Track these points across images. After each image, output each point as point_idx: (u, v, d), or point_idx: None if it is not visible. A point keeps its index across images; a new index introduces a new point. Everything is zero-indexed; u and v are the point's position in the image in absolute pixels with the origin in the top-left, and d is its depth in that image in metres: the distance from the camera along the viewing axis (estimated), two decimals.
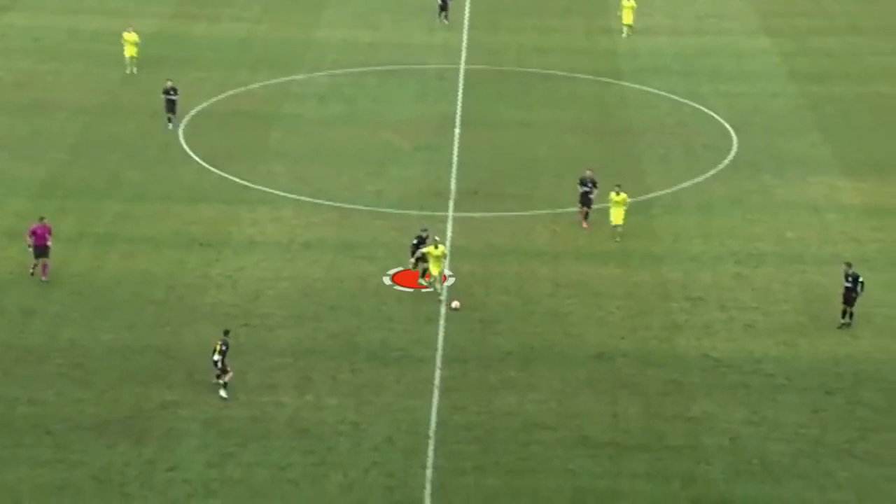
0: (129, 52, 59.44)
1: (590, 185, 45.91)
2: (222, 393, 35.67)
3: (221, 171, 50.28)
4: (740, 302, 41.23)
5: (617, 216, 44.77)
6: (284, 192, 48.67)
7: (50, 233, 41.66)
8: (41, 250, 41.35)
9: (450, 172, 50.46)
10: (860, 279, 39.74)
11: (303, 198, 48.22)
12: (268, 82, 59.77)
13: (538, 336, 39.27)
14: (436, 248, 40.78)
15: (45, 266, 41.51)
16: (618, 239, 44.34)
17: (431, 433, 34.68)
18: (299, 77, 60.50)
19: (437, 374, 37.34)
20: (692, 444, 34.41)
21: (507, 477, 32.76)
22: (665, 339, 39.07)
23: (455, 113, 56.37)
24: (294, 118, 55.87)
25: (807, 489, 32.76)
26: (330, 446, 34.10)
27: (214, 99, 57.51)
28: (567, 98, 58.73)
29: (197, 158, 51.40)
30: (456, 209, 47.51)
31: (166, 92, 53.40)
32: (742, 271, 43.28)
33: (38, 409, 35.41)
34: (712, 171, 50.68)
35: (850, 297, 39.71)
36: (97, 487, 32.44)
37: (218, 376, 35.73)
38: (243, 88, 58.91)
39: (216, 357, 35.56)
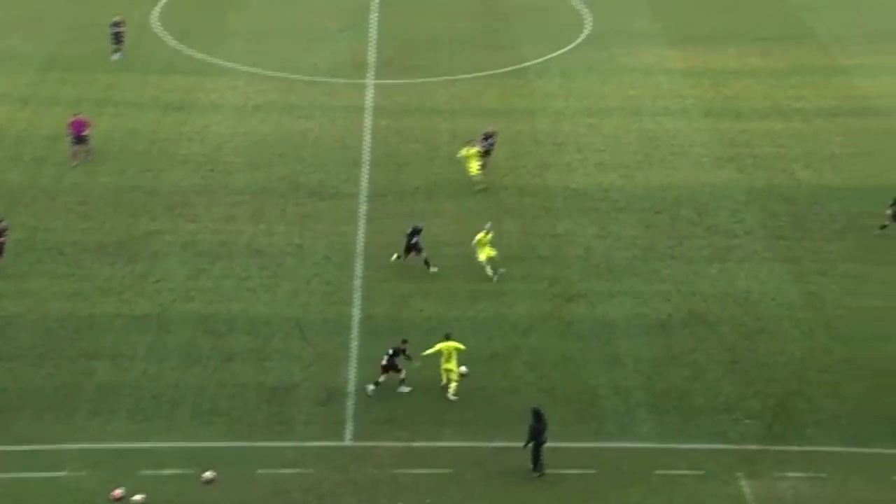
0: None
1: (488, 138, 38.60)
2: (404, 388, 28.70)
3: (189, 48, 48.58)
4: (593, 145, 41.22)
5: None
6: (239, 64, 47.21)
7: (87, 125, 38.76)
8: (79, 139, 38.62)
9: (369, 47, 49.25)
10: None
11: (254, 69, 46.83)
12: None
13: (440, 175, 38.99)
14: (486, 234, 32.71)
15: (87, 152, 38.69)
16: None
17: (359, 251, 34.54)
18: None
19: (363, 206, 37.03)
20: (557, 254, 34.71)
21: (418, 282, 32.89)
22: (537, 175, 39.05)
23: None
24: (246, 4, 53.77)
25: (640, 284, 33.38)
26: (280, 262, 33.87)
27: None
28: None
29: (168, 38, 49.53)
30: (375, 77, 46.52)
31: (114, 24, 46.36)
32: (594, 122, 43.13)
33: (52, 235, 34.82)
34: (571, 45, 50.06)
35: None
36: (101, 295, 32.20)
37: (402, 381, 28.76)
38: None
39: (385, 362, 28.59)
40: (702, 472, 26.48)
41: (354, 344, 30.47)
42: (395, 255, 33.59)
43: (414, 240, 33.21)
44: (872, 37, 50.61)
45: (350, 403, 28.42)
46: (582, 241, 35.37)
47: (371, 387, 28.63)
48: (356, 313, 31.72)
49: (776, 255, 34.79)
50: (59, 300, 31.81)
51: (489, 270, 32.73)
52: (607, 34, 51.22)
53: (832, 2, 55.18)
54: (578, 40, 50.63)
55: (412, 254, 33.27)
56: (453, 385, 28.53)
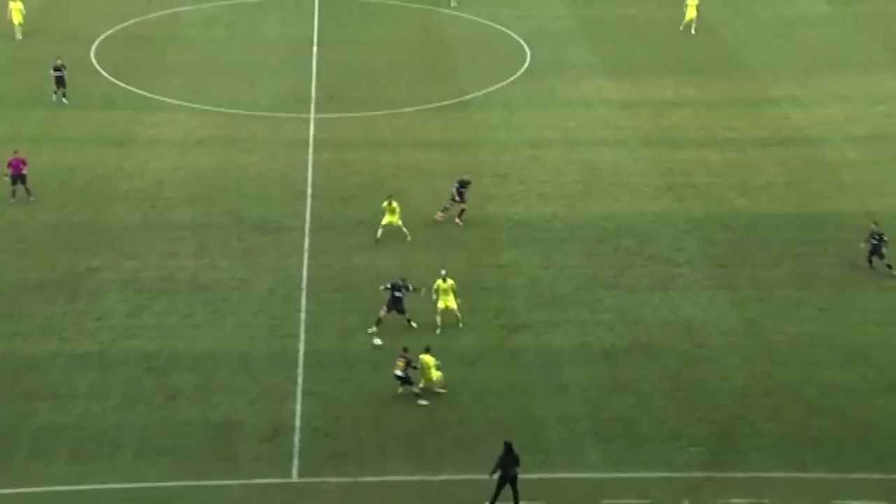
0: (17, 19, 51.90)
1: (466, 185, 38.13)
2: (422, 402, 29.27)
3: (127, 84, 48.19)
4: (535, 176, 41.57)
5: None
6: (179, 100, 46.95)
7: (25, 163, 38.02)
8: (18, 178, 37.85)
9: (310, 82, 49.28)
10: (885, 237, 34.72)
11: (194, 105, 46.61)
12: (162, 12, 57.13)
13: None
14: (444, 281, 32.27)
15: (27, 191, 37.96)
16: (461, 325, 32.47)
17: (303, 285, 34.39)
18: (186, 8, 57.97)
19: (307, 240, 36.90)
20: (501, 285, 34.85)
21: (363, 315, 32.72)
22: (480, 207, 39.21)
23: (312, 34, 54.87)
24: (185, 41, 53.68)
25: (584, 313, 33.59)
26: (224, 297, 33.58)
27: (118, 26, 54.78)
28: (398, 21, 57.60)
29: (106, 74, 49.12)
30: (316, 111, 46.52)
31: (56, 69, 45.02)
32: (536, 153, 43.54)
33: None
34: (512, 78, 50.57)
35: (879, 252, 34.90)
36: (42, 334, 31.67)
37: (417, 395, 29.41)
38: (140, 18, 56.23)
39: (399, 373, 29.32)
40: (648, 501, 26.59)
41: (300, 378, 30.23)
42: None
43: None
44: (802, 69, 51.86)
45: (296, 439, 28.16)
46: (526, 271, 35.56)
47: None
48: (301, 347, 31.53)
49: (716, 283, 35.29)
50: None
51: (437, 320, 32.02)
52: (547, 66, 51.84)
53: (764, 36, 56.50)
54: (519, 73, 51.16)
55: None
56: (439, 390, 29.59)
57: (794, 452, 28.26)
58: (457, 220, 37.81)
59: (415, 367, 29.46)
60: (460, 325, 32.06)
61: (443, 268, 33.19)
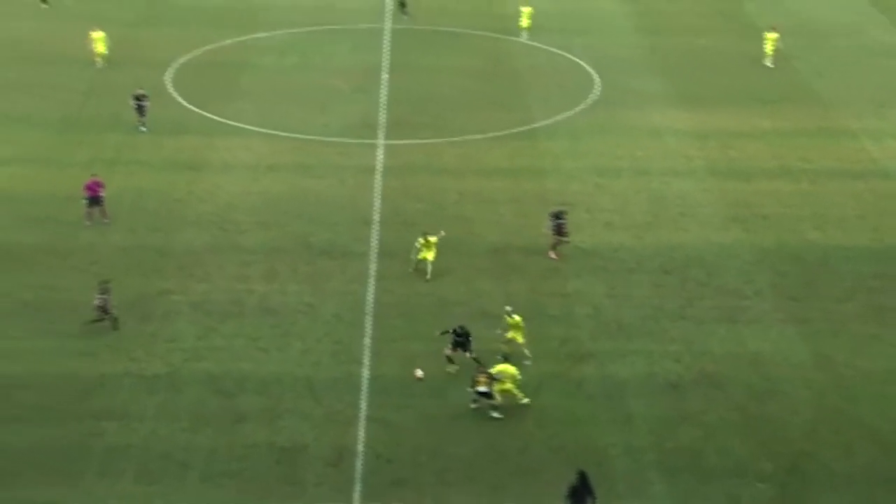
0: (100, 48, 52.34)
1: (562, 216, 37.62)
2: (496, 415, 29.61)
3: (201, 109, 49.14)
4: (601, 205, 41.38)
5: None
6: (252, 125, 47.72)
7: (102, 186, 38.98)
8: (95, 200, 38.80)
9: (379, 109, 49.77)
10: None
11: (266, 130, 47.33)
12: (236, 39, 58.25)
13: (448, 234, 39.08)
14: (510, 318, 31.96)
15: (103, 213, 38.85)
16: (527, 362, 31.75)
17: (369, 310, 34.57)
18: (261, 35, 59.05)
19: (372, 265, 37.14)
20: (566, 314, 34.67)
21: (426, 342, 32.73)
22: (545, 235, 39.13)
23: (382, 62, 55.45)
24: (258, 67, 54.60)
25: (650, 343, 33.25)
26: (291, 321, 33.89)
27: (194, 53, 55.97)
28: (468, 50, 57.98)
29: (181, 100, 50.15)
30: (385, 138, 46.94)
31: (137, 98, 45.92)
32: (603, 182, 43.36)
33: (64, 295, 34.80)
34: (580, 106, 50.53)
35: None
36: (112, 354, 32.13)
37: (495, 408, 29.68)
38: (216, 45, 57.38)
39: (484, 389, 29.58)
40: None
41: (364, 403, 30.34)
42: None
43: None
44: (878, 101, 50.98)
45: (359, 464, 28.23)
46: (592, 300, 35.34)
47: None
48: (365, 373, 31.66)
49: (786, 316, 34.70)
50: (68, 359, 31.77)
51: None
52: (616, 95, 51.69)
53: (839, 66, 55.71)
54: (587, 101, 51.09)
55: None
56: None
57: (867, 491, 27.57)
58: (551, 253, 37.20)
59: (496, 379, 29.50)
60: (526, 362, 31.61)
61: (507, 299, 33.17)
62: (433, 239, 35.92)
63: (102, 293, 32.97)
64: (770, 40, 55.13)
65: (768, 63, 54.98)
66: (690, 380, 31.64)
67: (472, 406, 29.80)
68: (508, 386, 29.78)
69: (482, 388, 29.43)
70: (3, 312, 33.84)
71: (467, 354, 31.57)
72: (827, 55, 57.23)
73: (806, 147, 46.50)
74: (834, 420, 30.12)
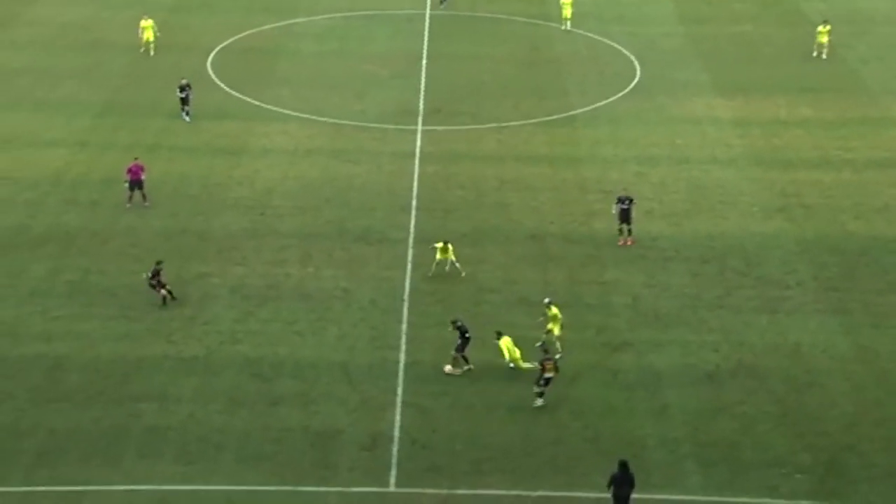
0: (149, 36, 52.67)
1: (627, 202, 37.30)
2: (539, 402, 29.47)
3: (241, 94, 49.31)
4: (640, 193, 40.93)
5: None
6: (289, 110, 47.83)
7: (143, 170, 39.23)
8: (136, 184, 39.01)
9: (418, 95, 49.66)
10: None
11: (304, 115, 47.41)
12: (275, 24, 58.37)
13: (486, 221, 39.02)
14: (549, 309, 31.95)
15: (144, 196, 39.08)
16: (558, 356, 30.81)
17: (405, 297, 34.55)
18: (300, 20, 59.12)
19: (409, 252, 37.10)
20: (603, 302, 34.45)
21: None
22: (583, 223, 38.92)
23: (422, 48, 55.31)
24: (296, 53, 54.69)
25: (688, 333, 32.98)
26: (327, 307, 33.95)
27: (234, 38, 56.16)
28: (507, 36, 57.71)
29: (221, 84, 50.34)
30: (423, 124, 46.84)
31: (181, 89, 45.85)
32: (642, 170, 43.02)
33: (104, 277, 35.16)
34: (620, 94, 50.13)
35: None
36: (151, 337, 32.38)
37: (539, 394, 29.60)
38: (256, 30, 57.53)
39: (550, 375, 29.39)
40: None
41: (399, 389, 30.34)
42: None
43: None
44: None
45: (394, 449, 28.25)
46: (629, 289, 35.08)
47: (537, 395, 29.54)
48: (402, 358, 31.65)
49: (827, 307, 34.25)
50: (109, 342, 32.07)
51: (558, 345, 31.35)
52: (656, 83, 51.22)
53: (885, 55, 54.79)
54: (628, 89, 50.66)
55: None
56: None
57: None
58: (621, 240, 36.96)
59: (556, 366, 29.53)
60: (557, 355, 31.22)
61: (545, 287, 33.03)
62: (450, 246, 34.96)
63: (156, 272, 33.37)
64: (823, 33, 54.05)
65: (822, 55, 53.84)
66: (728, 370, 31.33)
67: (538, 404, 29.27)
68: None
69: (549, 375, 29.22)
70: (47, 293, 34.20)
71: (463, 356, 30.75)
72: (873, 43, 56.33)
73: (849, 136, 45.82)
74: (874, 413, 29.69)
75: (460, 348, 30.93)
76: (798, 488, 27.17)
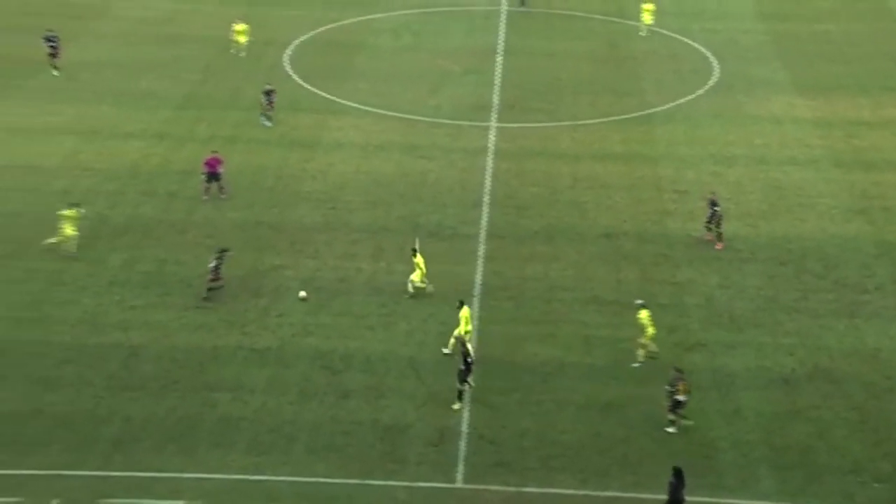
0: (242, 39, 53.20)
1: (715, 206, 36.83)
2: (670, 430, 28.31)
3: (316, 88, 49.70)
4: (717, 193, 40.37)
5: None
6: (364, 105, 48.06)
7: (221, 162, 39.60)
8: (213, 176, 39.42)
9: (492, 91, 49.55)
10: None
11: (378, 110, 47.60)
12: (355, 19, 58.74)
13: (560, 219, 38.79)
14: (640, 311, 31.07)
15: (221, 188, 39.56)
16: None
17: (476, 292, 34.49)
18: (378, 15, 59.40)
19: (481, 247, 37.03)
20: (677, 302, 34.02)
21: (533, 326, 32.60)
22: (657, 222, 38.49)
23: (497, 44, 55.18)
24: (373, 47, 54.95)
25: (763, 336, 32.42)
26: (397, 301, 34.03)
27: (312, 32, 56.63)
28: (583, 33, 57.30)
29: (297, 79, 50.80)
30: (498, 120, 46.72)
31: (266, 93, 45.37)
32: (719, 170, 42.38)
33: (181, 268, 35.60)
34: (698, 92, 49.46)
35: None
36: (226, 327, 32.74)
37: (672, 422, 28.39)
38: (335, 24, 57.94)
39: (682, 398, 28.30)
40: None
41: (468, 385, 30.27)
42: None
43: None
44: None
45: (462, 445, 28.22)
46: (703, 289, 34.58)
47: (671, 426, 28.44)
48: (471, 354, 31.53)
49: None
50: (184, 332, 32.53)
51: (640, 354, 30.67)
52: (735, 82, 50.43)
53: None
54: (705, 87, 49.96)
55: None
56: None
57: None
58: (714, 242, 36.52)
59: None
60: (639, 360, 30.81)
61: (618, 286, 32.68)
62: (418, 259, 33.50)
63: (217, 260, 33.66)
64: None
65: None
66: (804, 375, 30.70)
67: (670, 430, 28.12)
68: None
69: (681, 398, 28.07)
70: (124, 283, 34.82)
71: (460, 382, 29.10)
72: None
73: None
74: None
75: (464, 375, 29.01)
76: (877, 497, 26.50)
